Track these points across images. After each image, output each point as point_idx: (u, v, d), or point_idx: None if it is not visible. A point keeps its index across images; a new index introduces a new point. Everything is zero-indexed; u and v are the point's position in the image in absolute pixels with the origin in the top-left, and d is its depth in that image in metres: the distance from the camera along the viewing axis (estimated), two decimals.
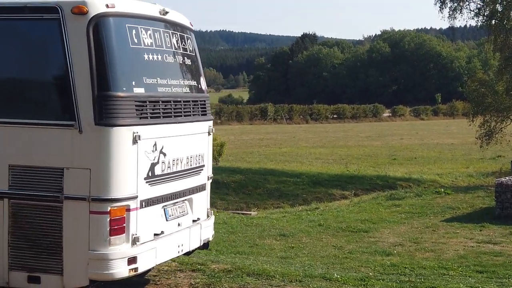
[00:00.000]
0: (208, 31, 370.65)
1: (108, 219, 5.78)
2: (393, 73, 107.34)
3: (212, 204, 18.33)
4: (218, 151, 25.68)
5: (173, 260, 8.43)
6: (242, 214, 15.75)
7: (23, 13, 6.06)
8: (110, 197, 5.79)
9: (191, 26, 7.43)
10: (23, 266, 5.98)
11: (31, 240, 5.95)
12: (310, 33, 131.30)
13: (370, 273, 8.74)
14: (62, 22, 5.84)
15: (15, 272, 6.00)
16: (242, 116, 65.34)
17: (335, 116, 73.29)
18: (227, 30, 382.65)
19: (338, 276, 8.05)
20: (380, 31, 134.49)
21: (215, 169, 23.03)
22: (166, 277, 7.81)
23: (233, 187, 20.80)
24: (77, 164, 5.81)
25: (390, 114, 77.67)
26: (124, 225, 5.90)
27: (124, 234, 5.90)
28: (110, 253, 5.80)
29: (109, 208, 5.78)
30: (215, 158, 25.60)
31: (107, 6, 5.93)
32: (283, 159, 30.13)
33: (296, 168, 25.94)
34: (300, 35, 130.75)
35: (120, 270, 5.87)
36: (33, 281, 5.97)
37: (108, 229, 5.78)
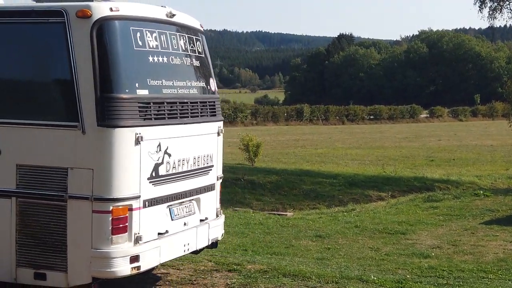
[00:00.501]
0: (244, 32, 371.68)
1: (110, 218, 5.90)
2: (430, 74, 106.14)
3: (248, 205, 18.40)
4: (254, 152, 25.70)
5: (208, 260, 8.48)
6: (278, 214, 15.73)
7: (30, 17, 6.23)
8: (112, 197, 5.92)
9: (201, 28, 7.54)
10: (29, 263, 6.14)
11: (37, 237, 6.10)
12: (347, 33, 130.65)
13: (408, 276, 8.65)
14: (67, 25, 5.99)
15: (22, 268, 6.15)
16: (278, 117, 65.29)
17: (371, 117, 72.74)
18: (263, 31, 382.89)
19: (375, 278, 7.99)
20: (418, 31, 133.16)
21: (251, 170, 23.15)
22: (203, 276, 7.85)
23: (269, 188, 20.79)
24: (80, 164, 5.96)
25: (428, 115, 76.79)
26: (127, 224, 6.01)
27: (127, 233, 6.02)
28: (112, 251, 5.93)
29: (111, 208, 5.91)
30: (251, 159, 25.64)
31: (111, 9, 6.07)
32: (319, 160, 30.03)
33: (332, 169, 25.82)
34: (336, 36, 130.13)
35: (122, 268, 5.99)
36: (39, 277, 6.11)
37: (110, 228, 5.91)
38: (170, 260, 7.01)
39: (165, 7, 6.91)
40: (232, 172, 21.93)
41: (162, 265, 8.21)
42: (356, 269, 8.87)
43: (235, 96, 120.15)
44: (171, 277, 7.80)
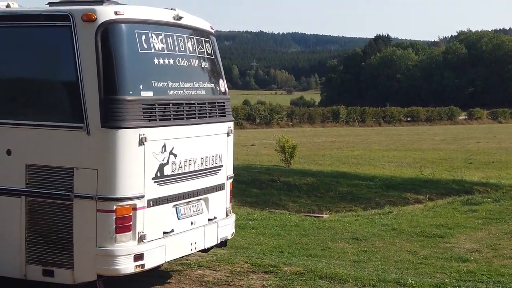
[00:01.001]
0: (281, 33, 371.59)
1: (114, 217, 6.06)
2: (469, 75, 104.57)
3: (284, 206, 18.38)
4: (290, 153, 25.64)
5: (245, 261, 8.49)
6: (314, 216, 15.67)
7: (39, 21, 6.42)
8: (116, 196, 6.07)
9: (211, 30, 7.61)
10: (38, 260, 6.32)
11: (45, 235, 6.29)
12: (384, 34, 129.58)
13: (446, 280, 8.54)
14: (73, 29, 6.15)
15: (31, 265, 6.34)
16: (313, 119, 65.08)
17: (408, 118, 71.98)
18: (299, 32, 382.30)
19: (413, 282, 7.90)
20: (457, 32, 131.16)
21: (287, 172, 23.12)
22: (239, 278, 7.87)
23: (305, 190, 20.72)
24: (85, 165, 6.13)
25: (466, 117, 75.67)
26: (131, 223, 6.17)
27: (131, 232, 6.17)
28: (116, 249, 6.08)
29: (115, 207, 6.06)
30: (287, 161, 25.60)
31: (115, 13, 6.22)
32: (355, 162, 29.83)
33: (369, 171, 25.62)
34: (373, 37, 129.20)
35: (126, 266, 6.15)
36: (47, 274, 6.29)
37: (114, 227, 6.07)
38: (176, 259, 7.10)
39: (174, 9, 7.01)
40: (268, 173, 21.93)
41: (199, 266, 8.27)
42: (393, 272, 8.79)
43: (271, 97, 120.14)
44: (208, 278, 7.84)
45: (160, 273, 7.91)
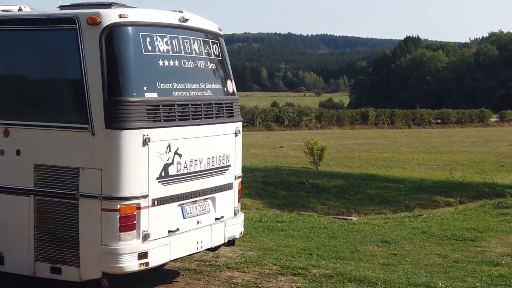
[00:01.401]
0: (309, 35, 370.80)
1: (118, 216, 6.18)
2: (501, 77, 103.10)
3: (312, 208, 18.34)
4: (318, 155, 25.58)
5: (273, 263, 8.48)
6: (343, 219, 15.59)
7: (46, 24, 6.59)
8: (119, 196, 6.18)
9: (219, 31, 7.69)
10: (46, 258, 6.47)
11: (53, 234, 6.44)
12: (414, 36, 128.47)
13: (477, 284, 8.44)
14: (78, 32, 6.29)
15: (40, 263, 6.50)
16: (342, 121, 64.78)
17: (438, 121, 71.22)
18: (328, 34, 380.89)
19: (443, 285, 7.82)
20: (488, 33, 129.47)
21: (316, 174, 23.08)
22: (268, 280, 7.87)
23: (333, 192, 20.66)
24: (90, 165, 6.26)
25: (498, 119, 74.63)
26: (135, 222, 6.27)
27: (135, 231, 6.27)
28: (120, 248, 6.19)
29: (118, 206, 6.17)
30: (315, 163, 25.53)
31: (120, 16, 6.34)
32: (384, 164, 29.63)
33: (398, 173, 25.43)
34: (403, 38, 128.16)
35: (130, 264, 6.26)
36: (55, 271, 6.45)
37: (118, 225, 6.19)
38: (181, 257, 7.13)
39: (181, 11, 7.08)
40: (296, 175, 21.90)
41: (228, 267, 8.29)
42: (424, 276, 8.70)
43: (300, 99, 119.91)
44: (236, 279, 7.85)
45: (189, 274, 7.96)
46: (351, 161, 30.80)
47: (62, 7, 6.85)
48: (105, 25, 6.26)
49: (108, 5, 6.56)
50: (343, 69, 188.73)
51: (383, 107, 76.09)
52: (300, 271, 8.24)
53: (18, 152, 6.64)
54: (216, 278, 7.85)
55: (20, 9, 7.26)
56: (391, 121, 67.28)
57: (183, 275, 7.96)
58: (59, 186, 6.42)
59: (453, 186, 21.56)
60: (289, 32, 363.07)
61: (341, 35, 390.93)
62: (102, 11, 6.37)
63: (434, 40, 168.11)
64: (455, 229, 13.54)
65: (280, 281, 7.84)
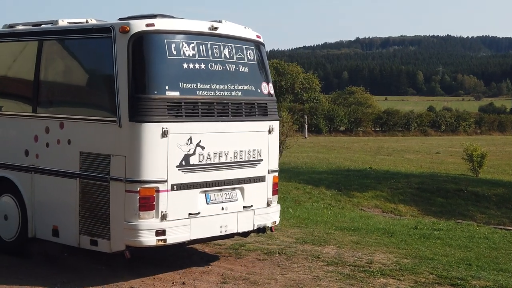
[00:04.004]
0: (469, 37, 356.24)
1: (138, 197, 7.13)
2: None
3: (471, 217, 17.53)
4: (478, 162, 24.47)
5: (430, 272, 8.19)
6: (505, 229, 14.76)
7: (92, 33, 7.76)
8: (139, 179, 7.14)
9: (257, 38, 8.47)
10: (87, 232, 7.55)
11: (91, 211, 7.50)
12: None
13: None
14: (113, 39, 7.34)
15: (83, 236, 7.59)
16: (504, 126, 61.55)
17: None
18: (490, 36, 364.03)
19: None
20: None
21: (475, 181, 22.08)
22: None
23: (494, 201, 19.63)
24: (118, 152, 7.28)
25: None
26: (153, 203, 7.18)
27: (153, 211, 7.19)
28: (139, 224, 7.14)
29: (138, 188, 7.13)
30: (475, 170, 24.44)
31: (146, 25, 7.32)
32: None
33: None
34: None
35: (148, 239, 7.17)
36: (93, 244, 7.50)
37: (138, 205, 7.13)
38: (206, 238, 7.87)
39: (220, 21, 8.04)
40: (454, 182, 21.07)
41: (382, 274, 8.13)
42: None
43: (458, 104, 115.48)
44: (391, 287, 7.69)
45: (342, 279, 7.90)
46: None
47: (121, 19, 7.81)
48: (132, 33, 7.24)
49: (153, 16, 7.60)
50: (506, 72, 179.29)
51: None
52: (458, 281, 7.91)
53: (69, 142, 7.78)
54: (370, 285, 7.74)
55: (86, 21, 8.21)
56: None
57: (336, 279, 7.93)
58: (96, 170, 7.46)
59: None
60: (447, 34, 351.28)
61: (504, 36, 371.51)
62: (132, 21, 7.41)
63: None
64: None
65: None
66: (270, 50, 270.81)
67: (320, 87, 72.79)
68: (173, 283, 7.57)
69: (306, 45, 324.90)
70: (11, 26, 8.96)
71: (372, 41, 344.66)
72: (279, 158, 24.78)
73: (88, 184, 7.52)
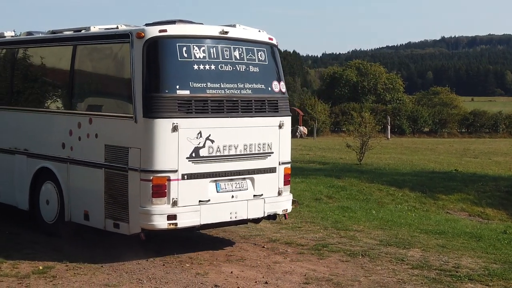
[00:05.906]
0: None
1: (151, 185, 7.95)
2: None
3: None
4: None
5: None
6: None
7: (114, 39, 8.70)
8: (152, 169, 7.97)
9: (269, 40, 9.18)
10: (111, 216, 8.44)
11: (114, 197, 8.40)
12: None
13: None
14: (130, 44, 8.20)
15: (108, 219, 8.50)
16: None
17: None
18: None
19: None
20: None
21: None
22: None
23: None
24: (134, 145, 8.13)
25: None
26: (165, 190, 7.99)
27: (165, 197, 8.00)
28: (152, 209, 7.97)
29: (151, 177, 7.96)
30: None
31: (159, 31, 8.16)
32: None
33: None
34: None
35: (160, 223, 7.99)
36: (116, 227, 8.39)
37: (151, 192, 7.96)
38: (217, 223, 8.62)
39: (234, 26, 8.86)
40: None
41: (469, 279, 7.89)
42: None
43: None
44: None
45: (428, 283, 7.72)
46: None
47: (147, 25, 8.57)
48: (147, 38, 8.08)
49: (172, 22, 8.47)
50: None
51: None
52: None
53: (96, 135, 8.72)
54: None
55: (117, 27, 9.02)
56: None
57: (422, 283, 7.76)
58: (117, 161, 8.35)
59: None
60: None
61: None
62: (147, 27, 8.31)
63: None
64: None
65: None
66: (352, 50, 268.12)
67: (403, 88, 71.58)
68: (256, 282, 7.62)
69: (389, 45, 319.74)
70: (54, 32, 10.13)
71: (458, 40, 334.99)
72: (360, 159, 24.54)
73: (111, 173, 8.44)
